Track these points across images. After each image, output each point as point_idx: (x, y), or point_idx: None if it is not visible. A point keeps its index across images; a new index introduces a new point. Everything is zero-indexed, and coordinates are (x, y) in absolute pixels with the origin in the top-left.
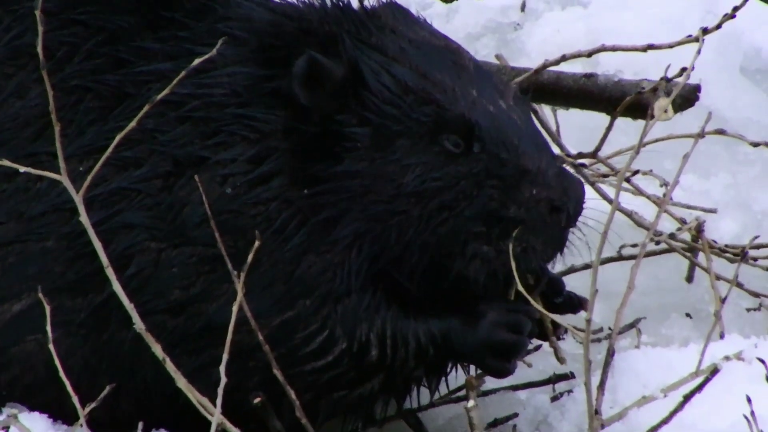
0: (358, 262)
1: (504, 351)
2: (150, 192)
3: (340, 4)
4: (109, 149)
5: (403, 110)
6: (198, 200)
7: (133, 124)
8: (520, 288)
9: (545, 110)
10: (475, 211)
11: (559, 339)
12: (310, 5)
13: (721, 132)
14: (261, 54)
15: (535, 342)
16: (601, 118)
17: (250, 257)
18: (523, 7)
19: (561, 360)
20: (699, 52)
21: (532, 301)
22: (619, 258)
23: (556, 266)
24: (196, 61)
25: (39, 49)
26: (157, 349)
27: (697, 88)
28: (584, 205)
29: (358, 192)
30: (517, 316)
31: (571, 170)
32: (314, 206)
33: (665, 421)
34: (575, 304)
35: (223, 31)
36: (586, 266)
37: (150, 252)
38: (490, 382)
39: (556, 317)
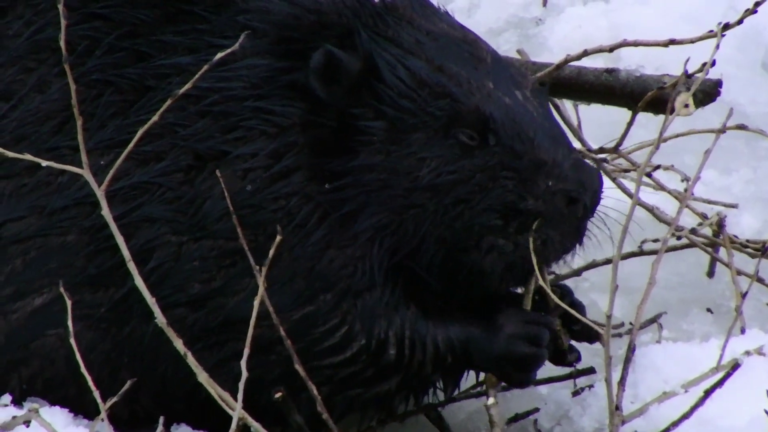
0: (379, 255)
1: (523, 363)
2: (171, 186)
3: None
4: (132, 143)
5: (418, 104)
6: (219, 194)
7: (155, 118)
8: (541, 282)
9: (567, 105)
10: (490, 204)
11: (570, 365)
12: None
13: (742, 127)
14: (279, 46)
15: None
16: (623, 114)
17: (271, 252)
18: (544, 2)
19: (571, 359)
20: (718, 47)
21: (554, 297)
22: (640, 253)
23: (577, 259)
24: (219, 55)
25: (61, 43)
26: (179, 344)
27: (718, 84)
28: (601, 196)
29: (376, 186)
30: (536, 328)
31: (589, 161)
32: (334, 201)
33: (686, 416)
34: (592, 334)
35: (242, 23)
36: (607, 261)
37: (171, 245)
38: None
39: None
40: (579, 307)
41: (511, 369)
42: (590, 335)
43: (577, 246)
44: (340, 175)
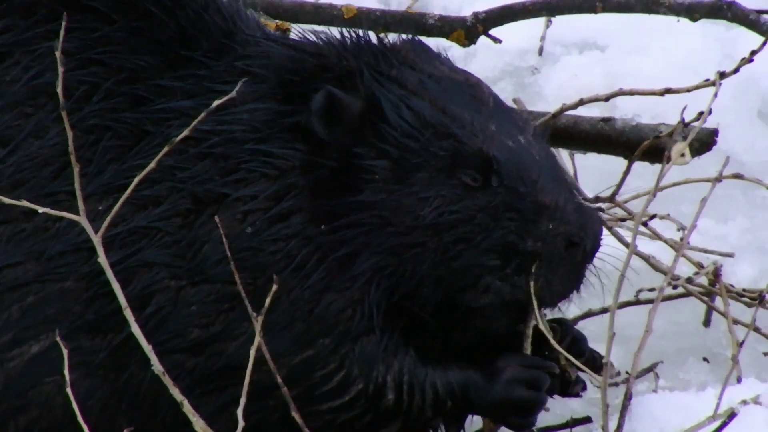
0: (377, 297)
1: (522, 408)
2: (170, 230)
3: (360, 40)
4: (129, 190)
5: (421, 143)
6: (218, 238)
7: (152, 165)
8: (540, 323)
9: (563, 154)
10: (491, 244)
11: (576, 395)
12: (329, 41)
13: (738, 176)
14: (280, 90)
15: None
16: (619, 162)
17: (269, 297)
18: (540, 51)
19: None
20: (716, 95)
21: (554, 342)
22: (637, 302)
23: (573, 308)
24: (216, 102)
25: (59, 89)
26: (175, 392)
27: (714, 132)
28: (601, 241)
29: (376, 225)
30: (536, 372)
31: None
32: (333, 242)
33: None
34: (597, 366)
35: (242, 69)
36: (604, 310)
37: (169, 290)
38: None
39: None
40: (580, 340)
41: (511, 414)
42: (595, 367)
43: (576, 291)
44: (340, 216)
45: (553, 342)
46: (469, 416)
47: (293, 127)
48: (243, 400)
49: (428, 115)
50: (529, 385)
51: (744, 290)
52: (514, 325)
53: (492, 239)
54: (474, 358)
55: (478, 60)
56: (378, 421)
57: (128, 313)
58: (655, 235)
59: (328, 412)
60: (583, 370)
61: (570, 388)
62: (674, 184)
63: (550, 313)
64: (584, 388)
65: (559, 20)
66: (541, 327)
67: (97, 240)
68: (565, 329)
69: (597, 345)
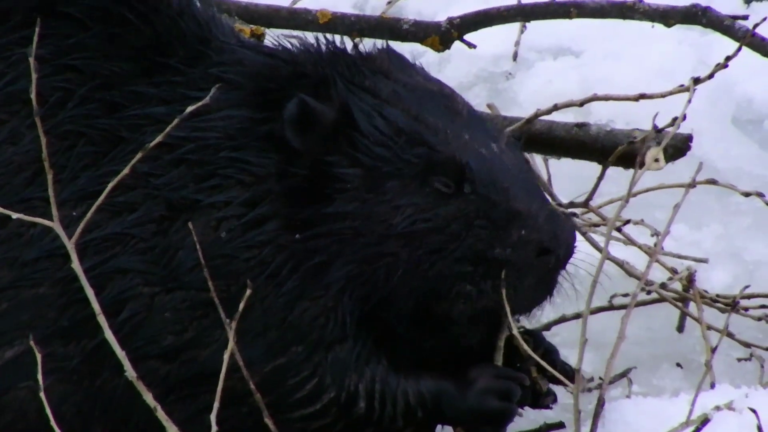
0: (350, 306)
1: (494, 418)
2: (144, 236)
3: (335, 48)
4: (102, 196)
5: (394, 151)
6: (192, 244)
7: (126, 171)
8: (513, 330)
9: (537, 159)
10: (463, 252)
11: (547, 407)
12: (304, 49)
13: (712, 182)
14: (255, 97)
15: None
16: (593, 168)
17: (242, 304)
18: (515, 57)
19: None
20: (690, 101)
21: (529, 351)
22: (610, 307)
23: (546, 313)
24: (190, 108)
25: (32, 95)
26: (149, 397)
27: (688, 138)
28: (574, 249)
29: (349, 234)
30: (507, 383)
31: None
32: (307, 250)
33: None
34: (569, 376)
35: (217, 75)
36: (577, 315)
37: (143, 297)
38: None
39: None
40: (552, 351)
41: (482, 424)
42: (567, 377)
43: (548, 298)
44: (313, 224)
45: (527, 348)
46: (440, 425)
47: (267, 135)
48: (216, 405)
49: (401, 123)
50: (500, 396)
51: (718, 296)
52: (486, 335)
53: (464, 247)
54: (446, 368)
55: (453, 65)
56: (349, 430)
57: (102, 319)
58: (629, 241)
59: (300, 420)
60: (556, 378)
61: (541, 399)
62: (648, 190)
63: (524, 321)
64: (555, 400)
65: (533, 26)
66: (514, 334)
67: (70, 246)
68: (537, 341)
69: (570, 350)
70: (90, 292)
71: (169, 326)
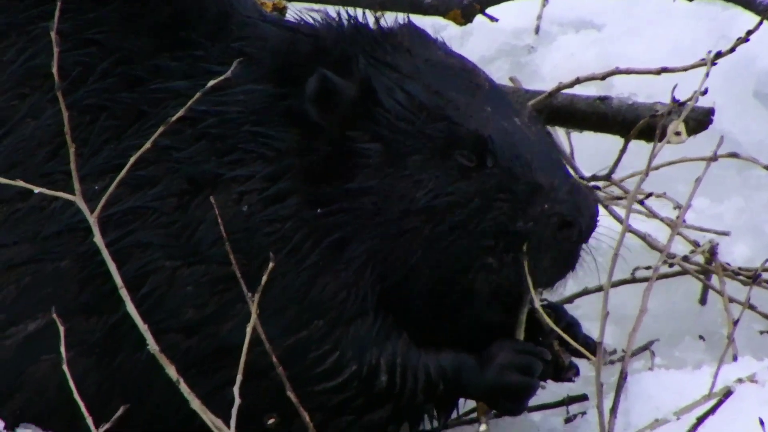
0: (371, 281)
1: (515, 393)
2: (165, 210)
3: (357, 23)
4: (124, 170)
5: (416, 126)
6: (213, 219)
7: (147, 145)
8: (535, 303)
9: (559, 133)
10: (485, 226)
11: (569, 380)
12: (326, 24)
13: (733, 155)
14: (276, 72)
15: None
16: (615, 141)
17: (264, 279)
18: (537, 31)
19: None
20: (708, 75)
21: (551, 324)
22: (632, 280)
23: (569, 287)
24: (212, 82)
25: (54, 70)
26: (171, 371)
27: (710, 112)
28: (597, 222)
29: (370, 210)
30: (528, 358)
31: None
32: (328, 226)
33: None
34: (591, 349)
35: (238, 50)
36: (599, 288)
37: (164, 271)
38: None
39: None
40: (574, 325)
41: (503, 398)
42: (589, 350)
43: (570, 272)
44: (335, 199)
45: (548, 322)
46: (461, 400)
47: (289, 111)
48: (239, 378)
49: (423, 98)
50: (521, 371)
51: (740, 269)
52: (508, 310)
53: (486, 221)
54: (467, 345)
55: (475, 39)
56: (370, 404)
57: (124, 293)
58: (651, 214)
59: (321, 394)
60: (578, 352)
61: (563, 373)
62: (669, 163)
63: (546, 295)
64: (577, 373)
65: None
66: (536, 307)
67: (92, 220)
68: (558, 314)
69: (592, 324)
70: (112, 266)
71: (190, 300)
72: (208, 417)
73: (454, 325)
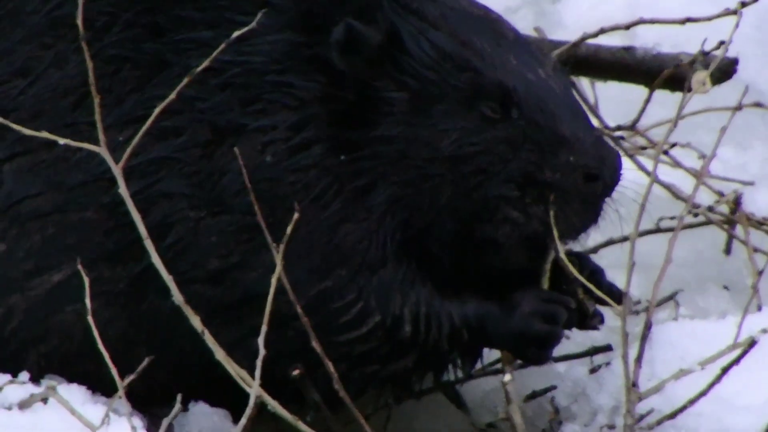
0: (393, 228)
1: (539, 341)
2: (189, 160)
3: None
4: (149, 121)
5: (441, 75)
6: (237, 168)
7: (172, 96)
8: (560, 253)
9: (583, 83)
10: (509, 175)
11: (594, 329)
12: None
13: (758, 105)
14: (300, 21)
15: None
16: (639, 91)
17: (289, 228)
18: None
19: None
20: (737, 25)
21: (575, 272)
22: (657, 230)
23: (594, 237)
24: (236, 33)
25: (78, 20)
26: (196, 321)
27: (734, 62)
28: (621, 175)
29: (394, 157)
30: (553, 307)
31: (609, 141)
32: (351, 173)
33: (703, 394)
34: (615, 297)
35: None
36: (624, 238)
37: (189, 221)
38: None
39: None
40: (598, 272)
41: (527, 347)
42: (613, 298)
43: (594, 224)
44: (359, 147)
45: (573, 270)
46: (486, 350)
47: (313, 59)
48: (264, 328)
49: (448, 47)
50: (546, 319)
51: (764, 218)
52: (531, 260)
53: (510, 170)
54: (491, 294)
55: None
56: (394, 353)
57: (149, 243)
58: (676, 164)
59: (345, 344)
60: (602, 300)
61: (588, 321)
62: (694, 113)
63: (570, 246)
64: (602, 321)
65: None
66: (561, 257)
67: (117, 170)
68: (583, 263)
69: (617, 273)
70: (136, 216)
71: (215, 250)
72: (232, 368)
73: (478, 274)
